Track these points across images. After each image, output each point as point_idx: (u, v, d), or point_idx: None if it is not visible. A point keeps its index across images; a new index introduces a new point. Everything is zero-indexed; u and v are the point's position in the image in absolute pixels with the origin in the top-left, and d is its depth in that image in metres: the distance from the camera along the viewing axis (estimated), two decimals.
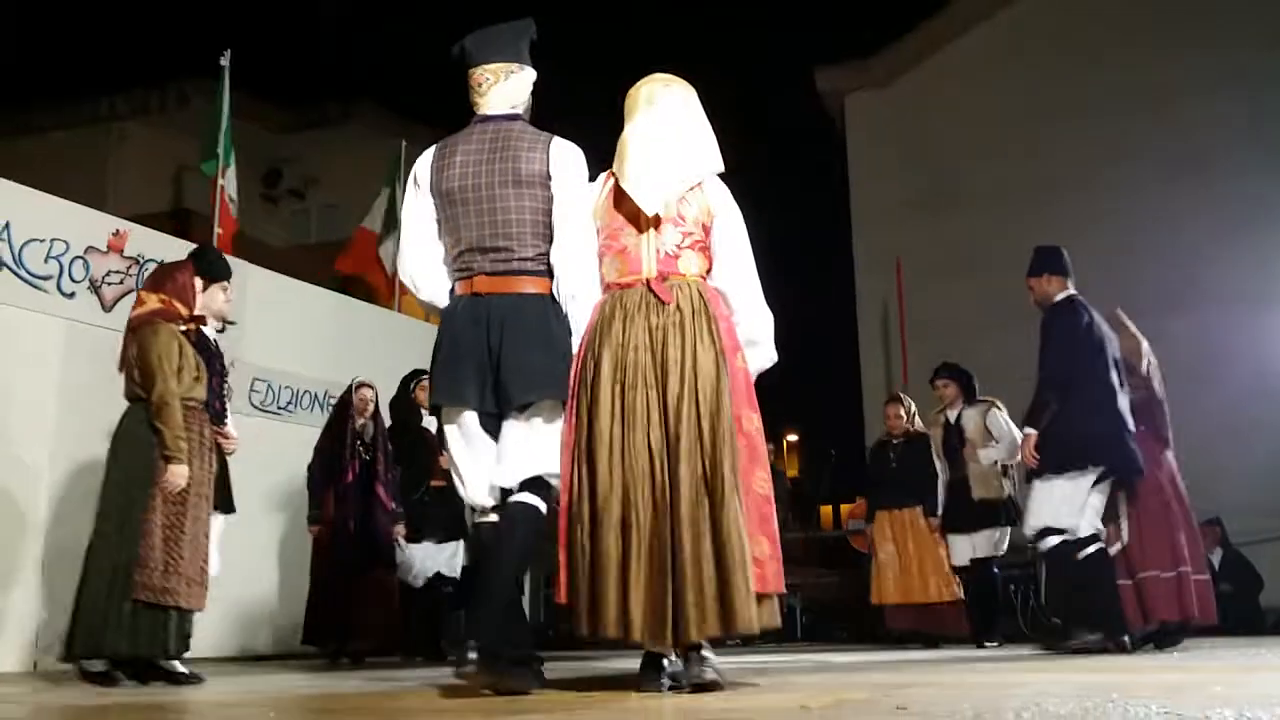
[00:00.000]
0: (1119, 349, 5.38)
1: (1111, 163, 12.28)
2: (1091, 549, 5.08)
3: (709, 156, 3.12)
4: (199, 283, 4.64)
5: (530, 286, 3.09)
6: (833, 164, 14.70)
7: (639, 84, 3.21)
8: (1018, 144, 12.80)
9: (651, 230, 3.01)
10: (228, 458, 5.02)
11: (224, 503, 4.94)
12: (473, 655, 2.91)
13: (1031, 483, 5.20)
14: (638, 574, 2.78)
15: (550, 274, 3.11)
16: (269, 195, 16.42)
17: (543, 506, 3.06)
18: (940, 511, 7.17)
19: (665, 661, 2.95)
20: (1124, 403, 5.17)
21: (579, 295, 3.07)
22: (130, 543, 4.06)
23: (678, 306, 2.93)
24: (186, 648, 4.29)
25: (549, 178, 3.10)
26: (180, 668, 4.21)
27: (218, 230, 8.33)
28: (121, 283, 6.98)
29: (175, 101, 14.75)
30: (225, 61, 8.63)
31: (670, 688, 2.88)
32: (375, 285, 10.06)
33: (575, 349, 3.08)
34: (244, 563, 7.57)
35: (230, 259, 8.00)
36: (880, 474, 7.56)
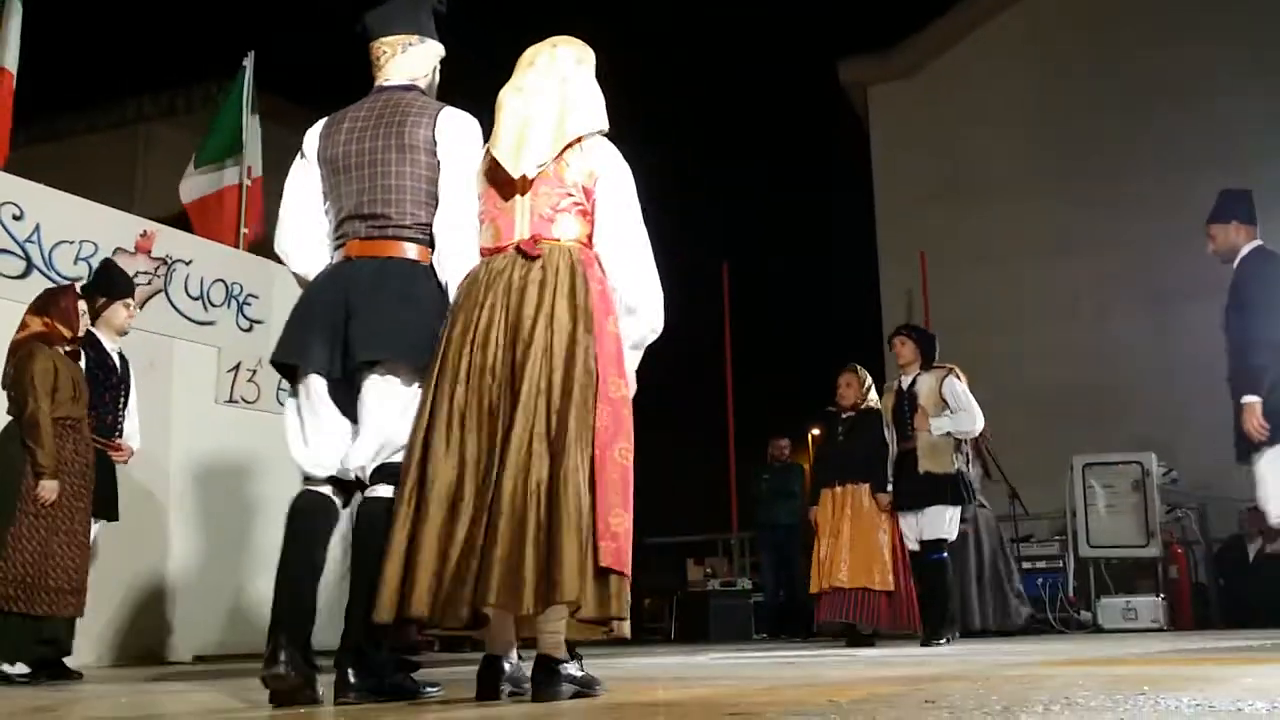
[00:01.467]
0: None
1: (1136, 153, 12.18)
2: None
3: (590, 115, 2.87)
4: (100, 299, 5.04)
5: (407, 251, 2.90)
6: (856, 156, 14.65)
7: (528, 49, 3.00)
8: (1041, 135, 12.72)
9: (527, 194, 2.80)
10: (121, 466, 5.26)
11: (108, 510, 5.13)
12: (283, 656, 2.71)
13: (1255, 460, 4.66)
14: (451, 544, 2.52)
15: (431, 243, 2.91)
16: None
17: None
18: (890, 487, 6.44)
19: (505, 664, 2.67)
20: None
21: (459, 268, 2.84)
22: None
23: (542, 265, 2.70)
24: (58, 653, 4.65)
25: (434, 144, 2.93)
26: (13, 670, 4.48)
27: (244, 230, 8.39)
28: (150, 283, 7.04)
29: (201, 103, 14.85)
30: (248, 62, 8.68)
31: (510, 694, 2.65)
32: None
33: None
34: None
35: (258, 258, 8.12)
36: (826, 450, 6.89)
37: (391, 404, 2.79)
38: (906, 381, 6.66)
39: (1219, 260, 4.89)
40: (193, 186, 8.60)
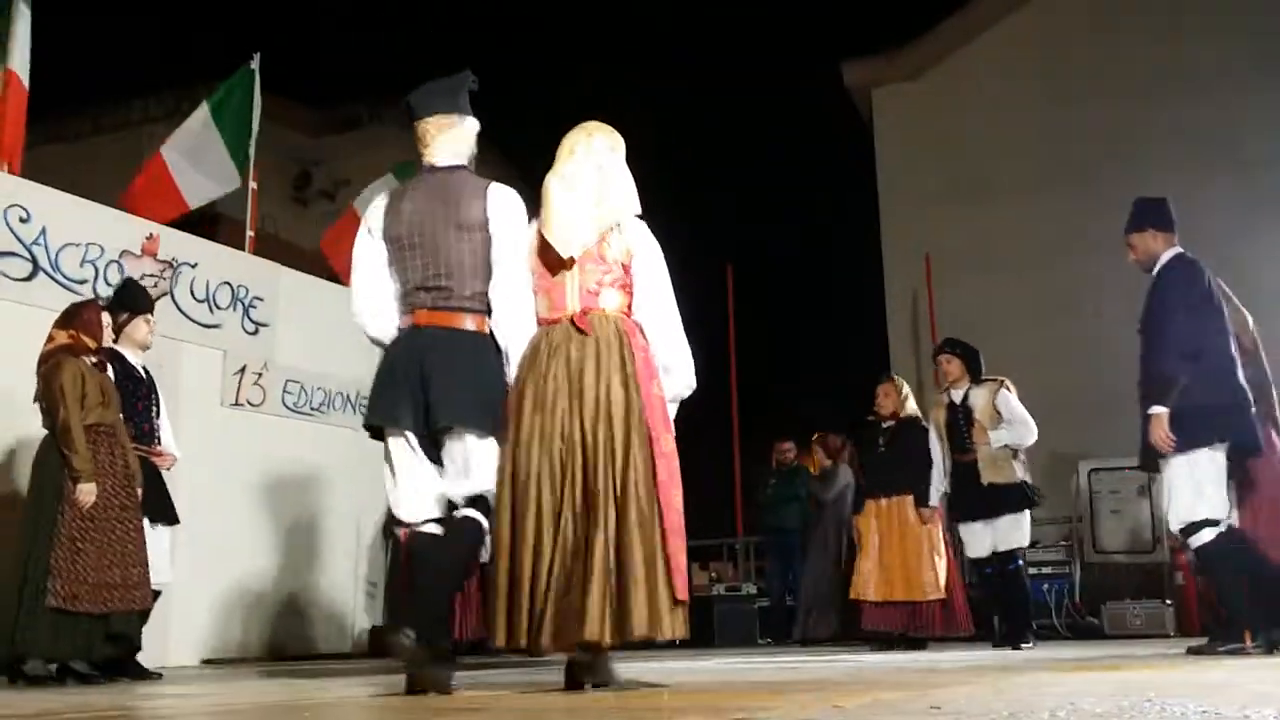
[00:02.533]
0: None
1: (1143, 153, 12.14)
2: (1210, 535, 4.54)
3: (625, 201, 3.31)
4: (124, 315, 5.31)
5: (467, 322, 3.36)
6: (861, 157, 14.63)
7: (566, 136, 3.41)
8: (1048, 136, 12.69)
9: (575, 270, 3.24)
10: (166, 471, 5.49)
11: (166, 514, 5.37)
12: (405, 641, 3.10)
13: (1163, 468, 4.67)
14: (537, 584, 2.99)
15: (488, 311, 3.37)
16: (299, 198, 16.52)
17: (485, 522, 3.28)
18: (935, 501, 6.64)
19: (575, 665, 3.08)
20: (1241, 371, 4.68)
21: (514, 332, 3.32)
22: (43, 555, 4.57)
23: (595, 338, 3.16)
24: (121, 649, 4.86)
25: (487, 222, 3.36)
26: (86, 669, 4.69)
27: (250, 233, 8.40)
28: (156, 286, 7.05)
29: None
30: (254, 64, 8.69)
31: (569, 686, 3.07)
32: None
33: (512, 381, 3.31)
34: (287, 563, 7.65)
35: (264, 261, 8.12)
36: (868, 460, 7.03)
37: (472, 458, 3.31)
38: (958, 396, 6.80)
39: (1140, 269, 4.90)
40: (195, 186, 8.44)
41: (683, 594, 3.01)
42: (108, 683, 4.70)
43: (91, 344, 4.89)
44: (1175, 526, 4.66)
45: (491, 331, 3.37)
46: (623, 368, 3.13)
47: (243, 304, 7.67)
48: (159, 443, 5.43)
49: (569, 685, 3.08)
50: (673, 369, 3.29)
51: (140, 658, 5.13)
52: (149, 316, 5.49)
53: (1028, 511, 6.55)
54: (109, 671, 4.85)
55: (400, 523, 3.42)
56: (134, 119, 15.87)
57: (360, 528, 8.18)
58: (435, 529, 3.36)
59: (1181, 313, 4.61)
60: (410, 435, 3.33)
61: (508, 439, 3.17)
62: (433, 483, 3.37)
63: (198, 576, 7.07)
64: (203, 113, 8.48)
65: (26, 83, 6.75)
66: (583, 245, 3.23)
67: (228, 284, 7.57)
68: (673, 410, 3.33)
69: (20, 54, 6.70)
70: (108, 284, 6.72)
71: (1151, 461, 4.71)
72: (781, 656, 6.04)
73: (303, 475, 7.97)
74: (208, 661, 6.86)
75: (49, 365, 4.77)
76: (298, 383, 7.98)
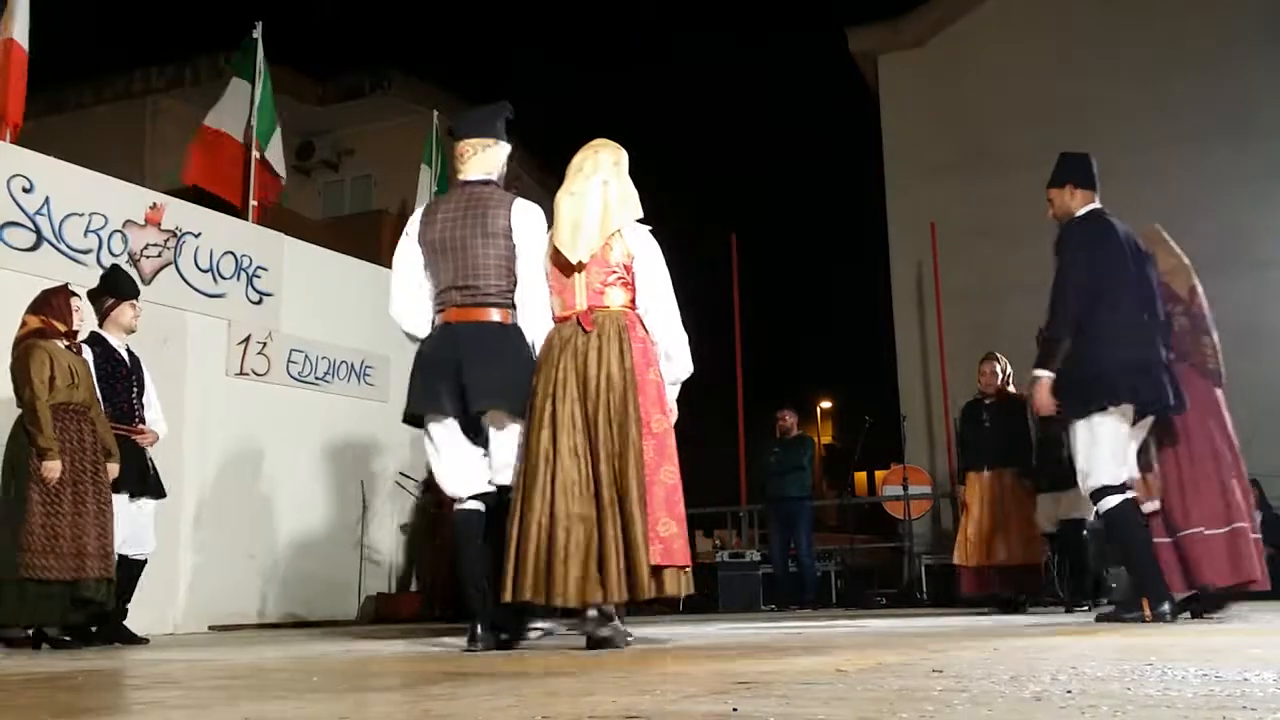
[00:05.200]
0: (1158, 270, 4.72)
1: (1149, 123, 12.07)
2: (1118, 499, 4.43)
3: (627, 209, 3.73)
4: (109, 300, 5.57)
5: (494, 315, 3.83)
6: (866, 125, 14.55)
7: (576, 155, 3.82)
8: (1054, 105, 12.60)
9: (583, 273, 3.68)
10: (149, 448, 5.70)
11: (149, 488, 5.63)
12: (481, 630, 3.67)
13: (1066, 437, 4.60)
14: (567, 553, 3.39)
15: (513, 306, 3.85)
16: (302, 168, 16.49)
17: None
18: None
19: (588, 613, 3.49)
20: (1154, 329, 4.50)
21: (536, 329, 3.77)
22: (17, 526, 4.82)
23: (599, 332, 3.59)
24: (92, 613, 5.09)
25: (510, 231, 3.84)
26: (57, 634, 4.97)
27: (253, 203, 8.38)
28: (160, 255, 7.06)
29: (209, 74, 14.82)
30: (257, 34, 8.64)
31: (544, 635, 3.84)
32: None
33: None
34: (292, 531, 7.69)
35: (267, 230, 8.12)
36: (972, 434, 7.27)
37: (506, 436, 3.83)
38: None
39: (1059, 225, 4.70)
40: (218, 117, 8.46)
41: (664, 559, 3.41)
42: (81, 648, 4.97)
43: (62, 327, 5.15)
44: (1084, 493, 4.60)
45: (514, 323, 3.82)
46: (620, 358, 3.55)
47: (247, 274, 7.67)
48: (141, 421, 5.64)
49: (589, 645, 3.47)
50: (673, 356, 3.73)
51: (148, 624, 5.23)
52: (134, 301, 5.69)
53: None
54: (82, 637, 5.13)
55: (446, 499, 3.90)
56: (136, 89, 15.81)
57: (365, 495, 8.22)
58: (478, 505, 3.83)
59: (1073, 272, 4.47)
60: (451, 419, 3.80)
61: (528, 425, 3.59)
62: (475, 462, 3.86)
63: (203, 544, 7.12)
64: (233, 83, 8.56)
65: (27, 49, 6.73)
66: (589, 251, 3.65)
67: (231, 254, 7.57)
68: (675, 391, 3.78)
69: (20, 23, 6.67)
70: (112, 254, 6.72)
71: (1060, 427, 4.62)
72: (784, 622, 6.07)
73: (307, 444, 8.00)
74: (214, 628, 6.91)
75: (21, 349, 5.05)
76: (302, 352, 7.99)
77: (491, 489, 3.86)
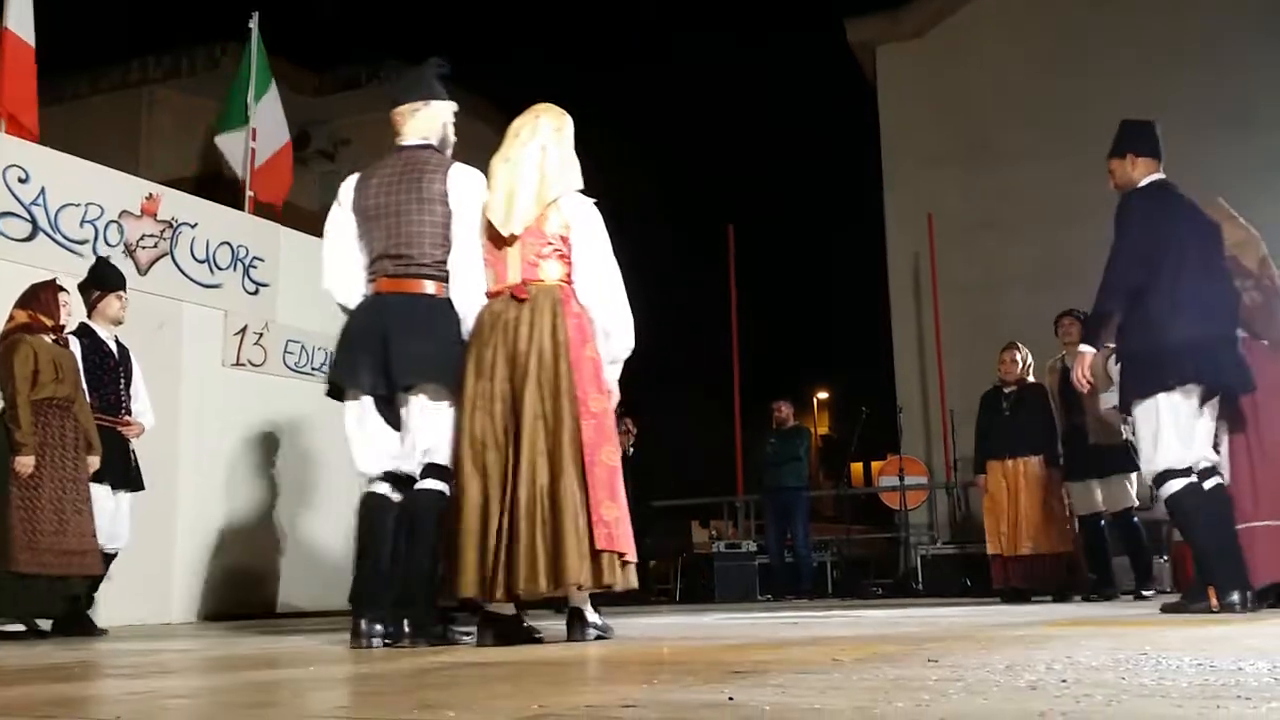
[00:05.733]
0: (1226, 243, 4.48)
1: (1148, 114, 12.06)
2: (1209, 484, 4.19)
3: (565, 177, 3.51)
4: (95, 292, 5.60)
5: (427, 287, 3.56)
6: (864, 117, 14.54)
7: (515, 120, 3.62)
8: (1052, 97, 12.59)
9: (517, 245, 3.46)
10: (134, 440, 5.75)
11: (129, 481, 5.67)
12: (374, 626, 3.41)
13: (1129, 419, 4.41)
14: (486, 539, 3.21)
15: (446, 278, 3.58)
16: (299, 157, 16.42)
17: (444, 489, 3.45)
18: (1061, 460, 6.94)
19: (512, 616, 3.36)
20: (1222, 304, 4.26)
21: (468, 304, 3.52)
22: (3, 521, 4.86)
23: (531, 307, 3.37)
24: (76, 607, 5.14)
25: (447, 196, 3.58)
26: (43, 625, 5.07)
27: (249, 194, 8.36)
28: (156, 246, 7.04)
29: (206, 65, 14.79)
30: (253, 24, 8.62)
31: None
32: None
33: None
34: (287, 522, 7.70)
35: (264, 221, 8.10)
36: (992, 423, 7.25)
37: (428, 417, 3.51)
38: (1072, 360, 6.96)
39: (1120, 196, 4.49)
40: (234, 148, 8.55)
41: (607, 543, 3.19)
42: (49, 639, 5.00)
43: (49, 322, 5.19)
44: (1147, 478, 4.42)
45: (447, 296, 3.56)
46: (553, 333, 3.34)
47: (243, 264, 7.66)
48: (127, 413, 5.69)
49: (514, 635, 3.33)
50: (611, 332, 3.48)
51: (141, 613, 5.28)
52: (121, 293, 5.73)
53: (1135, 472, 6.71)
54: (35, 631, 5.16)
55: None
56: (133, 79, 15.76)
57: (361, 487, 8.22)
58: (388, 489, 3.57)
59: (1131, 243, 4.24)
60: (367, 397, 3.55)
61: (459, 404, 3.39)
62: (390, 440, 3.59)
63: (198, 534, 7.12)
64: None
65: (31, 42, 6.71)
66: (523, 222, 3.44)
67: (228, 244, 7.56)
68: (616, 371, 3.53)
69: (19, 13, 6.64)
70: (108, 244, 6.71)
71: (1126, 406, 4.41)
72: (781, 612, 6.09)
73: (304, 435, 8.00)
74: (208, 618, 6.92)
75: (5, 344, 5.06)
76: (299, 343, 7.98)
77: (408, 472, 3.55)
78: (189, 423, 7.12)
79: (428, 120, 3.76)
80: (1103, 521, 6.95)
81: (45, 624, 5.13)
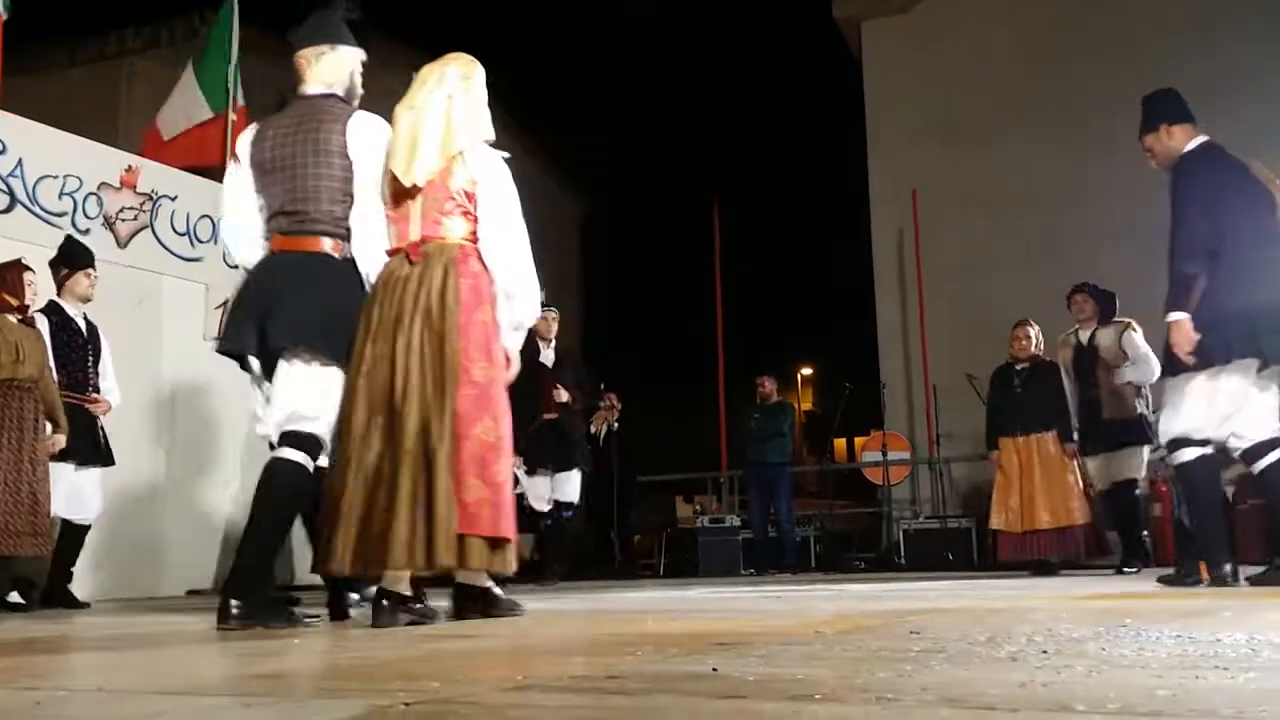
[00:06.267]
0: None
1: (1131, 94, 12.04)
2: (1273, 456, 4.06)
3: (473, 129, 3.29)
4: (64, 270, 5.61)
5: (324, 245, 3.34)
6: (849, 92, 14.50)
7: (423, 68, 3.40)
8: (1037, 74, 12.57)
9: (419, 199, 3.24)
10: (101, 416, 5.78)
11: (98, 457, 5.72)
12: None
13: (1164, 382, 4.34)
14: (360, 512, 3.00)
15: (347, 236, 3.36)
16: None
17: (302, 459, 3.25)
18: (1076, 436, 6.95)
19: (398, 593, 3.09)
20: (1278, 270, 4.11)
21: (369, 263, 3.31)
22: None
23: (426, 267, 3.15)
24: (21, 586, 5.22)
25: (346, 148, 3.35)
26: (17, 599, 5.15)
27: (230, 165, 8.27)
28: (135, 219, 6.98)
29: (185, 35, 14.61)
30: None
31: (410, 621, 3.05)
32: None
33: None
34: None
35: None
36: (1003, 400, 7.27)
37: (296, 382, 3.28)
38: (1085, 335, 7.09)
39: (1170, 169, 4.37)
40: (170, 118, 8.42)
41: (466, 526, 2.96)
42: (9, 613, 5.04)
43: (14, 301, 5.20)
44: (1163, 440, 4.34)
45: (346, 256, 3.36)
46: (441, 294, 3.12)
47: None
48: (95, 390, 5.72)
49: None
50: (514, 296, 3.25)
51: (127, 588, 5.28)
52: (89, 271, 5.73)
53: (1146, 446, 6.76)
54: (4, 605, 5.19)
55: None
56: (111, 51, 15.57)
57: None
58: (295, 454, 3.29)
59: (1199, 205, 4.09)
60: (254, 359, 3.35)
61: (350, 369, 3.18)
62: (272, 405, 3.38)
63: (182, 508, 7.10)
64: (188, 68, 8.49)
65: (4, 13, 6.62)
66: (426, 174, 3.22)
67: (208, 217, 7.49)
68: (518, 338, 3.32)
69: None
70: (87, 216, 6.65)
71: (1175, 375, 4.24)
72: (764, 586, 6.12)
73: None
74: (192, 592, 6.91)
75: None
76: None
77: (308, 434, 3.28)
78: (171, 396, 7.09)
79: (333, 67, 3.53)
80: (1137, 490, 6.96)
81: (14, 599, 5.18)
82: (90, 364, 5.71)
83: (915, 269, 12.58)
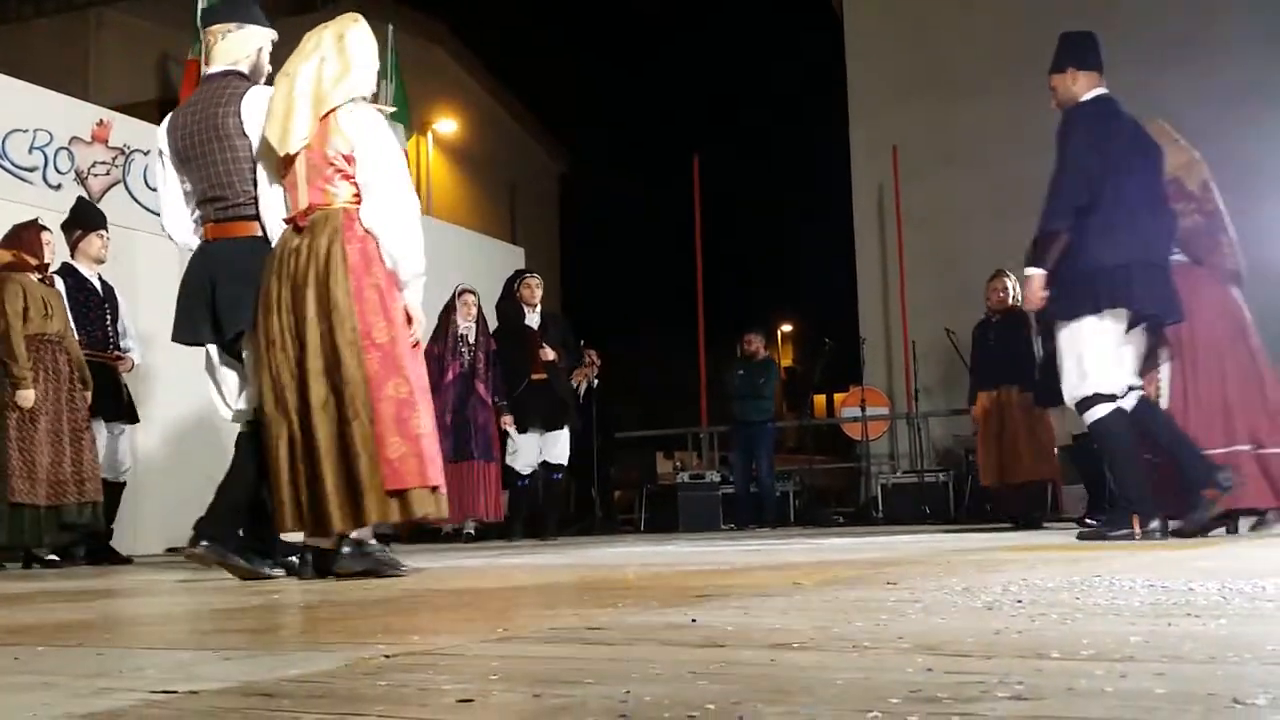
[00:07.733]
0: (1168, 165, 4.36)
1: (1112, 47, 12.00)
2: (1102, 410, 4.11)
3: (343, 86, 3.25)
4: (77, 232, 5.69)
5: (248, 230, 3.42)
6: (830, 48, 14.40)
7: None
8: (1018, 30, 12.50)
9: (304, 167, 3.24)
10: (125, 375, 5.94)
11: (124, 414, 5.88)
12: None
13: (1054, 341, 4.33)
14: (297, 479, 3.15)
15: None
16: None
17: None
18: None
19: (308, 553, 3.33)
20: (1159, 228, 4.17)
21: (273, 230, 3.37)
22: (1, 456, 5.08)
23: (313, 236, 3.18)
24: (75, 537, 5.40)
25: (244, 128, 3.38)
26: (51, 556, 5.34)
27: None
28: (108, 173, 6.89)
29: None
30: None
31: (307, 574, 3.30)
32: None
33: None
34: None
35: None
36: (980, 354, 7.33)
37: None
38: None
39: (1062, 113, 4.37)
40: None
41: (394, 483, 3.08)
42: (68, 566, 5.27)
43: (33, 261, 5.31)
44: (1069, 403, 4.33)
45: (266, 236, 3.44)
46: (329, 262, 3.15)
47: None
48: (116, 348, 5.81)
49: (321, 572, 3.28)
50: (397, 258, 3.22)
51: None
52: (102, 232, 5.79)
53: None
54: (68, 558, 5.42)
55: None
56: (79, 1, 15.26)
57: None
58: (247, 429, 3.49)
59: (1075, 159, 4.11)
60: (211, 347, 3.51)
61: (258, 345, 3.27)
62: (236, 386, 3.56)
63: (159, 466, 7.07)
64: None
65: None
66: (301, 141, 3.20)
67: None
68: (416, 295, 3.32)
69: None
70: (58, 171, 6.56)
71: (1047, 328, 4.29)
72: (744, 541, 6.17)
73: None
74: (172, 550, 6.90)
75: None
76: None
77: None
78: (144, 353, 7.03)
79: (239, 44, 3.54)
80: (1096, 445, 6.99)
81: (41, 552, 5.36)
82: (109, 322, 5.81)
83: (895, 225, 12.57)
